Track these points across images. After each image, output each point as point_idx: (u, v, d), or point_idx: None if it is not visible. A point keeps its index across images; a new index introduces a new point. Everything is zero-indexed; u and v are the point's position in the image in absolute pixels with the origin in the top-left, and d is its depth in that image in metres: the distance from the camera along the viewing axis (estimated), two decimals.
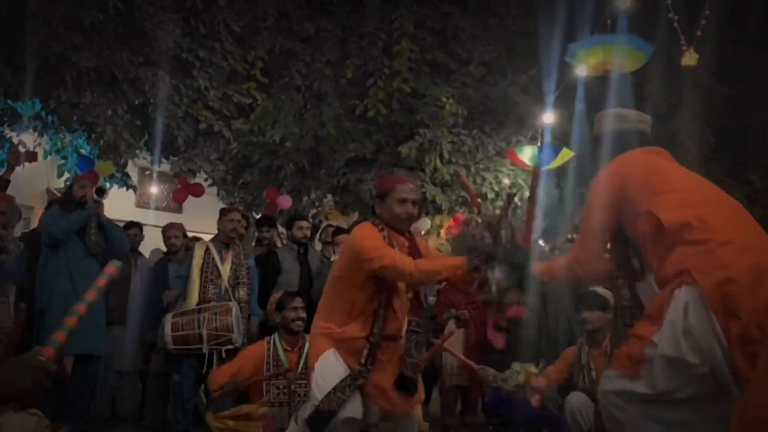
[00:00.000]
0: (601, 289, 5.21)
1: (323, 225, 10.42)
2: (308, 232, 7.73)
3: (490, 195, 10.50)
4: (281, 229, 9.02)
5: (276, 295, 5.80)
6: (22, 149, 8.65)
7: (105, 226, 6.36)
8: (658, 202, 2.84)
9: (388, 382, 3.75)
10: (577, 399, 4.84)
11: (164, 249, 7.72)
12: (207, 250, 6.51)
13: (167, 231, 7.49)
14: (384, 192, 3.89)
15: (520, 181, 10.62)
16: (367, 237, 3.76)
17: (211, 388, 5.10)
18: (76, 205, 6.21)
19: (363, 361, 3.67)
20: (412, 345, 3.78)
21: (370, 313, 3.73)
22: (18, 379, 1.93)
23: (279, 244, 8.33)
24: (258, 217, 9.44)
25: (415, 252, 3.88)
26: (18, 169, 7.12)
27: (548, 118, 8.96)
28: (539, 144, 9.82)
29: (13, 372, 1.93)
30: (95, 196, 6.44)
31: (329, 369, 3.66)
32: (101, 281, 2.35)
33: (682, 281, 2.66)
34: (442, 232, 12.94)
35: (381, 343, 3.72)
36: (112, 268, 2.39)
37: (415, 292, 3.94)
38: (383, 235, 3.79)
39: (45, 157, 9.99)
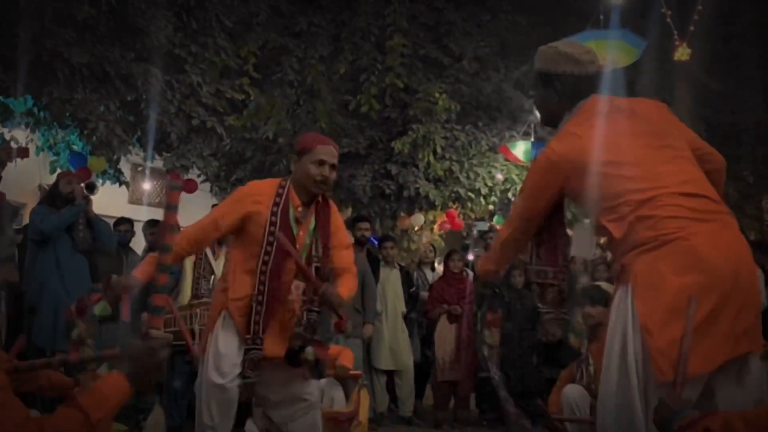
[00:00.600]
0: (604, 284, 5.22)
1: None
2: None
3: (484, 190, 10.52)
4: None
5: None
6: (14, 145, 8.63)
7: (93, 222, 6.34)
8: (604, 212, 2.74)
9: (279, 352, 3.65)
10: (573, 392, 4.84)
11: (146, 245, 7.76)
12: None
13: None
14: (303, 149, 3.72)
15: (513, 176, 10.63)
16: (232, 196, 3.78)
17: None
18: (62, 201, 6.17)
19: (254, 328, 3.57)
20: (304, 322, 3.61)
21: (252, 270, 3.61)
22: (155, 373, 1.92)
23: None
24: None
25: (324, 221, 3.75)
26: (10, 165, 7.08)
27: None
28: (532, 139, 9.84)
29: (151, 366, 1.90)
30: (86, 192, 6.41)
31: (223, 337, 3.64)
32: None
33: (622, 281, 2.66)
34: (435, 227, 12.97)
35: (270, 308, 3.60)
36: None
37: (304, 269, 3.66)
38: (281, 192, 3.67)
39: (37, 154, 9.97)
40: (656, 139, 2.80)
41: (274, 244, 3.56)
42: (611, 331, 2.62)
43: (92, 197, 6.52)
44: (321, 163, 3.67)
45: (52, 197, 6.30)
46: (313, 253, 3.69)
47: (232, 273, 3.70)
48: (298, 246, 3.63)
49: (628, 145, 2.78)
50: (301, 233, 3.67)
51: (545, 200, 2.89)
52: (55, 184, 6.39)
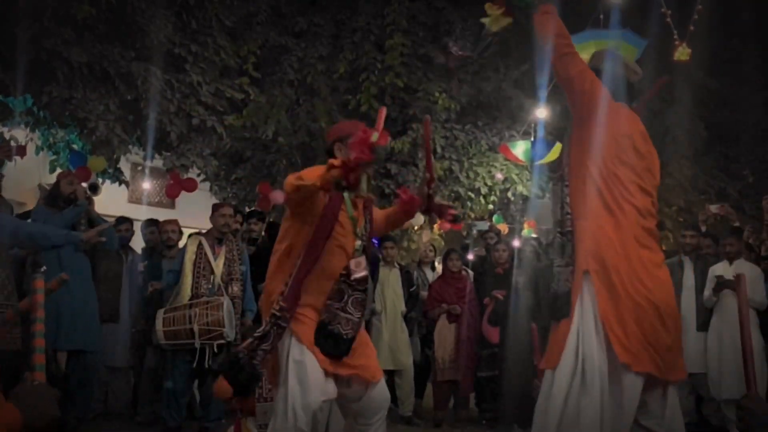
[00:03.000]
0: None
1: None
2: None
3: (483, 190, 10.51)
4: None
5: None
6: (13, 144, 8.62)
7: (95, 222, 6.33)
8: None
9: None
10: None
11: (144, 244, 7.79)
12: (199, 245, 6.49)
13: (165, 226, 7.47)
14: (346, 136, 3.62)
15: (513, 175, 10.63)
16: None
17: (222, 398, 5.01)
18: (64, 201, 6.16)
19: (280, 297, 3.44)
20: (348, 300, 3.52)
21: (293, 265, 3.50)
22: (49, 410, 1.98)
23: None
24: (248, 211, 9.39)
25: (369, 202, 3.75)
26: (9, 164, 7.08)
27: (541, 112, 8.96)
28: (532, 139, 9.83)
29: (42, 405, 1.97)
30: (88, 192, 6.40)
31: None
32: (39, 297, 2.39)
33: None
34: (435, 226, 12.95)
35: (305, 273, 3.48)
36: (39, 282, 2.42)
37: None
38: None
39: (37, 153, 9.95)
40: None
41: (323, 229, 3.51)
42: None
43: (94, 198, 6.53)
44: None
45: (53, 198, 6.28)
46: (364, 234, 3.67)
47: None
48: (358, 228, 3.62)
49: None
50: (357, 215, 3.65)
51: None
52: (56, 185, 6.36)
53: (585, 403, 2.83)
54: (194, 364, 6.06)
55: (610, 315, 2.87)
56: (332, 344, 3.47)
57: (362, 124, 3.76)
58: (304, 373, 3.41)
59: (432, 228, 12.77)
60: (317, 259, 3.50)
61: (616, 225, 2.99)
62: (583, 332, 2.92)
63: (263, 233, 8.10)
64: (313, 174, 3.18)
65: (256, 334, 3.46)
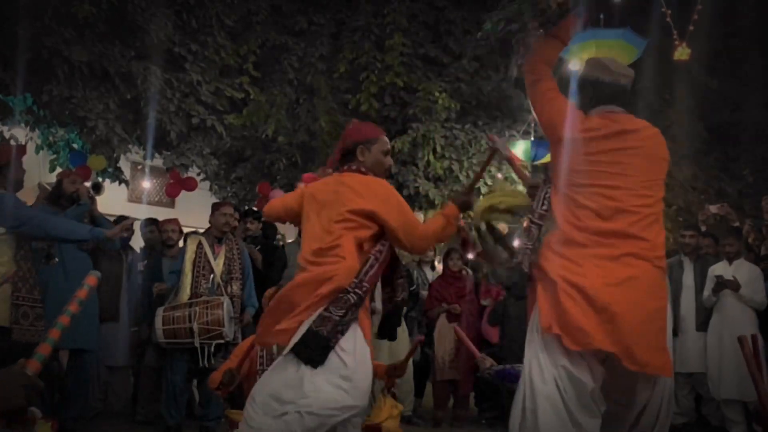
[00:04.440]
0: None
1: None
2: None
3: (483, 189, 10.51)
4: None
5: (271, 290, 5.78)
6: (13, 143, 8.61)
7: (98, 221, 6.33)
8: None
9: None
10: None
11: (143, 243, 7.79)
12: (199, 245, 6.48)
13: (164, 225, 7.47)
14: (369, 139, 3.59)
15: (513, 175, 10.61)
16: (398, 197, 3.61)
17: (212, 389, 5.06)
18: (67, 200, 6.16)
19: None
20: (398, 284, 3.69)
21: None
22: (12, 397, 1.85)
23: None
24: (245, 209, 9.39)
25: None
26: None
27: None
28: (532, 138, 9.82)
29: (6, 389, 1.85)
30: (91, 192, 6.39)
31: None
32: (82, 292, 2.34)
33: None
34: None
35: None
36: (93, 279, 2.37)
37: None
38: None
39: (37, 152, 9.94)
40: None
41: None
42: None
43: (97, 197, 6.52)
44: (387, 152, 3.67)
45: (56, 197, 6.27)
46: None
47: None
48: None
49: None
50: None
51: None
52: (59, 184, 6.35)
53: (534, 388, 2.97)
54: (198, 363, 6.06)
55: (542, 297, 3.03)
56: (393, 332, 3.60)
57: (376, 126, 3.77)
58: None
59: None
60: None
61: (563, 225, 3.11)
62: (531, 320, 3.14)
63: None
64: (445, 230, 3.74)
65: (336, 316, 3.20)
